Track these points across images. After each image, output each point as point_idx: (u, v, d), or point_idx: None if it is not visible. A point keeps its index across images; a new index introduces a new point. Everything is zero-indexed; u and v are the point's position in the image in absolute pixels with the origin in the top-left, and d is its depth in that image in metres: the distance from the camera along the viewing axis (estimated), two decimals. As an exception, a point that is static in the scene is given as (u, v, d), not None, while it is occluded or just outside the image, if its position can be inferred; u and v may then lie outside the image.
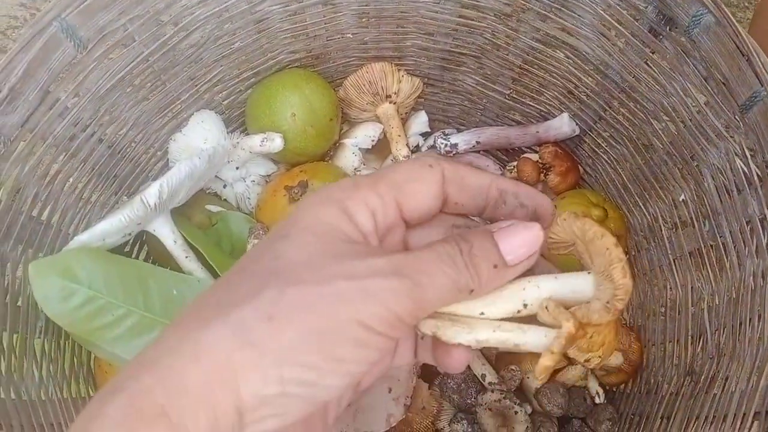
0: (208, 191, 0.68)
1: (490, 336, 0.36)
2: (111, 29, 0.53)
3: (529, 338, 0.36)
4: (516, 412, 0.63)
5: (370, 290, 0.28)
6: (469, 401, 0.64)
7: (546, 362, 0.36)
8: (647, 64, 0.59)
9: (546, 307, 0.36)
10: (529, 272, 0.37)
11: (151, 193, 0.52)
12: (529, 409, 0.64)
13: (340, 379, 0.28)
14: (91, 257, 0.52)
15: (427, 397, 0.66)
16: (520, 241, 0.32)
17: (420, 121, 0.74)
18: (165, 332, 0.28)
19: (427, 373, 0.67)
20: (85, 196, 0.60)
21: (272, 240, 0.30)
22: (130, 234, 0.57)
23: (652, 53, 0.58)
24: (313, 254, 0.29)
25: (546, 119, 0.71)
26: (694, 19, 0.51)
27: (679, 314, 0.62)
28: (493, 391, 0.64)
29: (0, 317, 0.52)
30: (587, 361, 0.38)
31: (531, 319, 0.37)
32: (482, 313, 0.36)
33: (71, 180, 0.58)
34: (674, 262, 0.63)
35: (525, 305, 0.37)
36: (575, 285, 0.38)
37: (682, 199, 0.62)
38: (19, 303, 0.54)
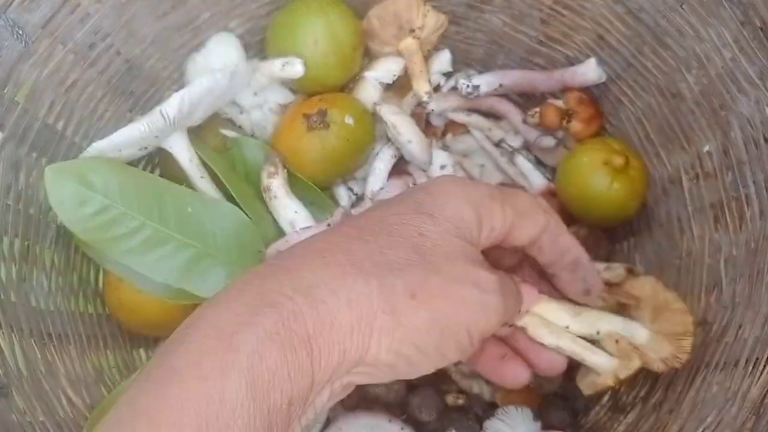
0: (223, 116, 0.67)
1: (569, 346, 0.47)
2: (136, -68, 0.51)
3: (596, 359, 0.49)
4: None
5: (485, 303, 0.32)
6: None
7: (609, 383, 0.50)
8: (682, 8, 0.57)
9: (617, 341, 0.50)
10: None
11: (172, 104, 0.51)
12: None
13: (432, 369, 0.32)
14: (107, 166, 0.51)
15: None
16: (531, 298, 0.42)
17: (443, 60, 0.73)
18: (317, 261, 0.30)
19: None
20: (100, 110, 0.59)
21: (417, 210, 0.33)
22: (146, 148, 0.56)
23: (689, -4, 0.56)
24: (452, 248, 0.32)
25: (572, 65, 0.70)
26: (738, -43, 0.50)
27: (694, 266, 0.61)
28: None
29: (12, 223, 0.52)
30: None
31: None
32: (568, 327, 0.48)
33: (88, 91, 0.57)
34: (693, 214, 0.63)
35: (598, 332, 0.49)
36: (635, 332, 0.51)
37: (707, 150, 0.61)
38: (31, 211, 0.54)
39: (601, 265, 0.66)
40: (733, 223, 0.58)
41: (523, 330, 0.44)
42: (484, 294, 0.32)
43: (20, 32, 0.47)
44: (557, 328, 0.47)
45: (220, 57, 0.64)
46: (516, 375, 0.41)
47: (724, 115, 0.58)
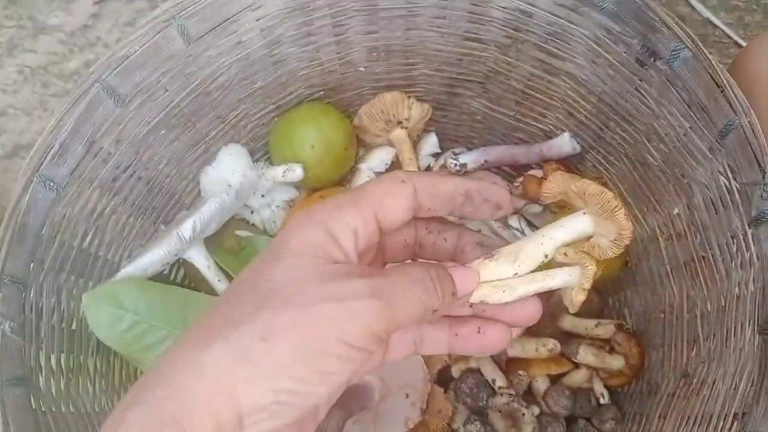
0: (237, 218, 0.74)
1: (529, 288, 0.44)
2: (145, 84, 0.59)
3: (559, 280, 0.45)
4: (523, 414, 0.68)
5: (351, 312, 0.31)
6: (480, 404, 0.69)
7: (580, 297, 0.46)
8: (637, 90, 0.63)
9: (565, 254, 0.46)
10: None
11: (186, 227, 0.58)
12: (536, 411, 0.69)
13: (326, 388, 0.32)
14: (135, 287, 0.58)
15: (442, 400, 0.71)
16: (467, 279, 0.38)
17: (430, 143, 0.80)
18: (173, 350, 0.32)
19: (442, 379, 0.73)
20: (128, 228, 0.67)
21: (264, 262, 0.33)
22: (168, 263, 0.63)
23: (641, 81, 0.62)
24: (302, 277, 0.32)
25: (549, 138, 0.76)
26: (673, 53, 0.56)
27: (676, 320, 0.66)
28: (502, 395, 0.69)
29: (58, 341, 0.59)
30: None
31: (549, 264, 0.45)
32: (515, 274, 0.44)
33: (115, 216, 0.65)
34: (671, 271, 0.67)
35: (546, 255, 0.45)
36: (578, 227, 0.46)
37: (676, 213, 0.66)
38: (74, 327, 0.62)
39: (591, 322, 0.71)
40: (705, 282, 0.62)
41: (483, 303, 0.43)
42: (346, 303, 0.32)
43: (51, 184, 0.55)
44: (508, 281, 0.44)
45: (229, 167, 0.71)
46: (499, 340, 0.40)
47: (686, 183, 0.63)
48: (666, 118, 0.62)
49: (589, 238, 0.47)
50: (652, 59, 0.59)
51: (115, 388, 0.66)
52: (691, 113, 0.58)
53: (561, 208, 0.61)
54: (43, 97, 1.00)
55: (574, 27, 0.63)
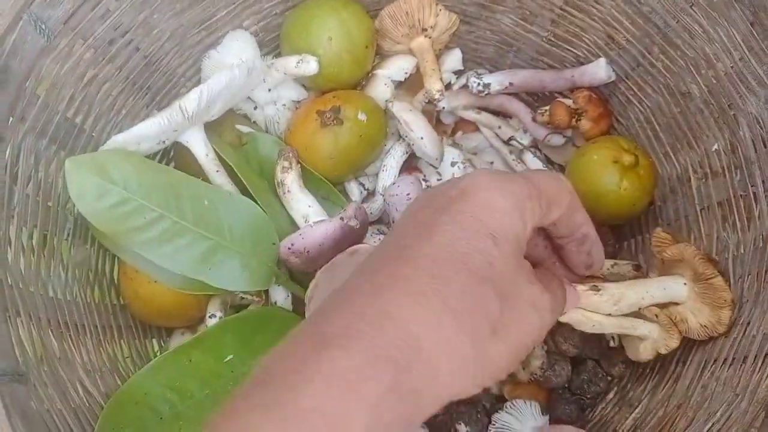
0: (238, 112, 0.68)
1: (614, 330, 0.57)
2: (157, -71, 0.52)
3: (639, 332, 0.57)
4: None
5: (544, 325, 0.35)
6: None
7: (647, 356, 0.58)
8: (692, 9, 0.58)
9: (656, 315, 0.57)
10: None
11: (191, 98, 0.52)
12: (545, 346, 0.65)
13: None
14: (126, 159, 0.52)
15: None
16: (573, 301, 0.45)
17: (454, 58, 0.74)
18: (414, 305, 0.32)
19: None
20: (118, 105, 0.60)
21: (479, 232, 0.33)
22: (164, 141, 0.57)
23: (700, -3, 0.57)
24: (514, 270, 0.34)
25: (582, 65, 0.71)
26: (747, -42, 0.51)
27: (701, 264, 0.62)
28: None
29: (31, 214, 0.53)
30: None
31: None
32: (610, 314, 0.56)
33: (106, 86, 0.58)
34: (701, 212, 0.63)
35: (641, 308, 0.57)
36: (675, 293, 0.57)
37: (715, 149, 0.61)
38: (50, 203, 0.55)
39: (607, 263, 0.67)
40: (741, 222, 0.58)
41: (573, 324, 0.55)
42: (542, 315, 0.34)
43: (43, 27, 0.48)
44: (600, 318, 0.55)
45: (235, 54, 0.65)
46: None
47: (733, 115, 0.58)
48: (721, 41, 0.57)
49: (679, 304, 0.57)
50: (720, -30, 0.54)
51: (89, 280, 0.60)
52: (754, 33, 0.54)
53: (664, 269, 0.62)
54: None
55: (635, -69, 0.58)
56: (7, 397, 0.41)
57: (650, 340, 0.58)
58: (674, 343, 0.56)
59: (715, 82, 0.59)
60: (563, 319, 0.56)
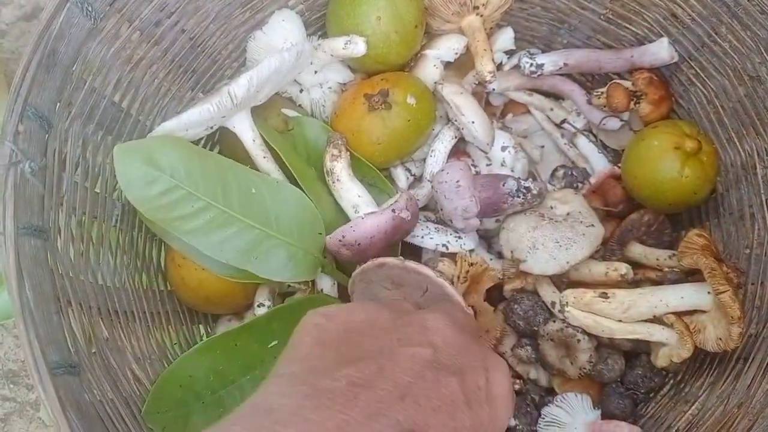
0: (284, 94, 0.66)
1: (626, 336, 0.58)
2: None
3: (655, 338, 0.58)
4: (579, 341, 0.61)
5: None
6: (535, 328, 0.63)
7: (663, 363, 0.60)
8: (769, -16, 0.54)
9: (672, 324, 0.57)
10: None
11: (241, 84, 0.50)
12: (594, 339, 0.63)
13: None
14: (174, 146, 0.51)
15: (491, 319, 0.65)
16: None
17: (506, 38, 0.71)
18: None
19: (492, 297, 0.66)
20: (164, 88, 0.59)
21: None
22: (212, 127, 0.55)
23: (778, -28, 0.53)
24: None
25: (641, 44, 0.67)
26: (838, -69, 0.47)
27: (766, 256, 0.59)
28: (555, 321, 0.62)
29: (81, 200, 0.52)
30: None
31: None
32: (620, 320, 0.58)
33: (152, 69, 0.57)
34: (766, 202, 0.60)
35: (654, 316, 0.58)
36: (696, 302, 0.56)
37: (786, 136, 0.58)
38: (97, 189, 0.54)
39: (665, 253, 0.64)
40: (813, 213, 0.55)
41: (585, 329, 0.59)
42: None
43: (89, 9, 0.47)
44: (610, 324, 0.58)
45: (281, 34, 0.63)
46: None
47: (808, 100, 0.55)
48: (799, 20, 0.53)
49: (705, 312, 0.56)
50: (803, -57, 0.50)
51: (137, 266, 0.60)
52: (837, 13, 0.50)
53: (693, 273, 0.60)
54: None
55: None
56: (62, 390, 0.41)
57: (667, 347, 0.59)
58: (686, 353, 0.57)
59: (789, 64, 0.56)
60: (576, 322, 0.59)
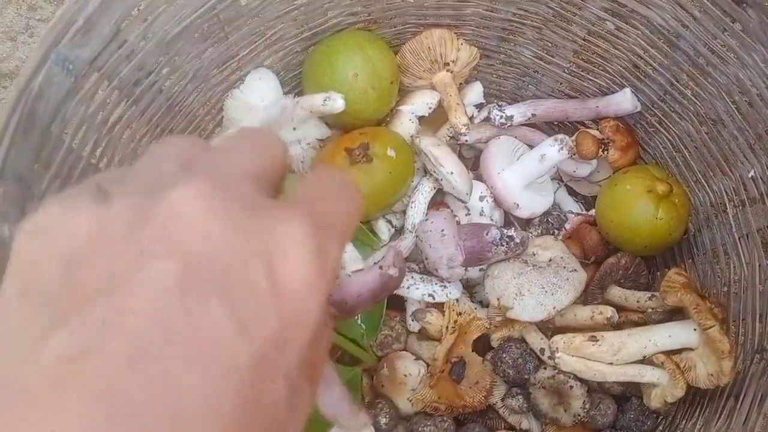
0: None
1: (618, 378, 0.59)
2: (185, -31, 0.51)
3: (646, 379, 0.59)
4: (571, 387, 0.61)
5: None
6: (525, 376, 0.62)
7: (656, 405, 0.60)
8: (725, 35, 0.58)
9: (663, 363, 0.58)
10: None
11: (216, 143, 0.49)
12: (586, 385, 0.62)
13: None
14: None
15: (480, 371, 0.64)
16: None
17: (475, 92, 0.73)
18: None
19: (480, 347, 0.65)
20: (141, 149, 0.58)
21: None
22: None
23: (733, 22, 0.56)
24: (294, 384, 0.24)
25: (604, 94, 0.70)
26: (787, -17, 0.50)
27: (744, 293, 0.61)
28: (545, 368, 0.62)
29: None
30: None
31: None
32: (611, 363, 0.58)
33: (130, 130, 0.56)
34: (740, 240, 0.62)
35: (644, 357, 0.58)
36: (684, 341, 0.57)
37: (751, 176, 0.60)
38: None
39: (644, 294, 0.65)
40: (785, 248, 0.57)
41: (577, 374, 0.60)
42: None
43: (71, 67, 0.46)
44: (602, 368, 0.59)
45: (258, 93, 0.63)
46: None
47: (770, 140, 0.58)
48: (757, 66, 0.56)
49: (693, 349, 0.57)
50: (755, -5, 0.54)
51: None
52: (792, 57, 0.53)
53: (674, 313, 0.62)
54: (30, 22, 0.89)
55: (662, -40, 0.57)
56: None
57: (659, 387, 0.59)
58: (679, 392, 0.57)
59: (749, 107, 0.58)
60: (567, 368, 0.59)
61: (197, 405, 0.18)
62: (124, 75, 0.52)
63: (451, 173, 0.64)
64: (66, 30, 0.44)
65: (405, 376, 0.63)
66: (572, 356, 0.59)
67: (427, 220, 0.62)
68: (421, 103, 0.69)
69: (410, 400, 0.62)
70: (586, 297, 0.66)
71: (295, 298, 0.20)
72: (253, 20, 0.60)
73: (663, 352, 0.57)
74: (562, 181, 0.76)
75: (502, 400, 0.64)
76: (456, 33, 0.69)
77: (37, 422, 0.17)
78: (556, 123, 0.75)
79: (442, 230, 0.61)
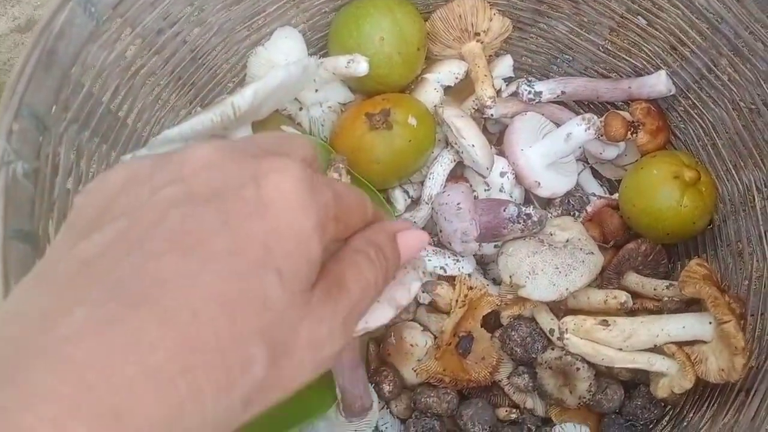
0: (283, 112, 0.65)
1: (626, 365, 0.58)
2: None
3: (655, 368, 0.57)
4: (578, 369, 0.60)
5: (318, 369, 0.27)
6: (533, 356, 0.61)
7: (663, 394, 0.58)
8: (769, 19, 0.55)
9: (674, 354, 0.56)
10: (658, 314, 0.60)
11: (245, 96, 0.49)
12: (593, 369, 0.61)
13: None
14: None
15: (488, 347, 0.63)
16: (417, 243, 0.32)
17: (505, 65, 0.71)
18: None
19: (488, 324, 0.65)
20: (162, 99, 0.58)
21: (262, 274, 0.25)
22: (211, 136, 0.54)
23: (778, 5, 0.54)
24: (294, 314, 0.26)
25: (638, 76, 0.68)
26: (840, -35, 0.48)
27: (765, 288, 0.59)
28: (553, 349, 0.61)
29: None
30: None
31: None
32: (620, 349, 0.57)
33: (152, 79, 0.56)
34: (765, 233, 0.60)
35: (655, 345, 0.57)
36: (698, 333, 0.56)
37: (784, 168, 0.58)
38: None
39: (662, 283, 0.64)
40: (812, 245, 0.55)
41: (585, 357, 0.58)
42: (323, 357, 0.28)
43: (92, 10, 0.46)
44: (610, 353, 0.57)
45: (283, 51, 0.62)
46: None
47: (807, 132, 0.55)
48: (799, 53, 0.54)
49: (706, 342, 0.55)
50: (804, -23, 0.51)
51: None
52: (838, 46, 0.51)
53: (691, 303, 0.61)
54: (65, -31, 0.89)
55: (709, -63, 0.55)
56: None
57: (668, 377, 0.58)
58: (687, 384, 0.56)
59: (788, 96, 0.56)
60: (575, 350, 0.58)
61: (167, 281, 0.22)
62: (147, 23, 0.52)
63: (473, 146, 0.62)
64: (90, -29, 0.44)
65: (411, 346, 0.63)
66: (581, 339, 0.58)
67: (444, 192, 0.62)
68: (448, 72, 0.67)
69: (415, 370, 0.62)
70: (601, 281, 0.65)
71: (277, 208, 0.24)
72: (282, -24, 0.59)
73: (674, 343, 0.56)
74: (588, 163, 0.74)
75: (508, 377, 0.64)
76: (489, 2, 0.67)
77: (58, 304, 0.22)
78: (585, 102, 0.73)
79: (458, 204, 0.60)
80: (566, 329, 0.58)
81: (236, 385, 0.22)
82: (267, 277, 0.24)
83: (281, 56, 0.62)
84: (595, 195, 0.70)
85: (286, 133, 0.26)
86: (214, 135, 0.52)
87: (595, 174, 0.75)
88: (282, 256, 0.24)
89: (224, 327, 0.22)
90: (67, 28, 0.44)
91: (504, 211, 0.61)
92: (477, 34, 0.68)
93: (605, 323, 0.57)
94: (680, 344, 0.57)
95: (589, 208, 0.69)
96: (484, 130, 0.73)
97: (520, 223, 0.61)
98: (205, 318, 0.22)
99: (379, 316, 0.49)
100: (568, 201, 0.70)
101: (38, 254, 0.44)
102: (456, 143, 0.64)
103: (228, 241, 0.23)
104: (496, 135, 0.75)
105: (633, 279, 0.65)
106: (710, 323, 0.55)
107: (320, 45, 0.68)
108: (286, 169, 0.25)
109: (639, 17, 0.64)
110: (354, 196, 0.29)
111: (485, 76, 0.66)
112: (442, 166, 0.65)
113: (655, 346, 0.58)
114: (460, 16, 0.66)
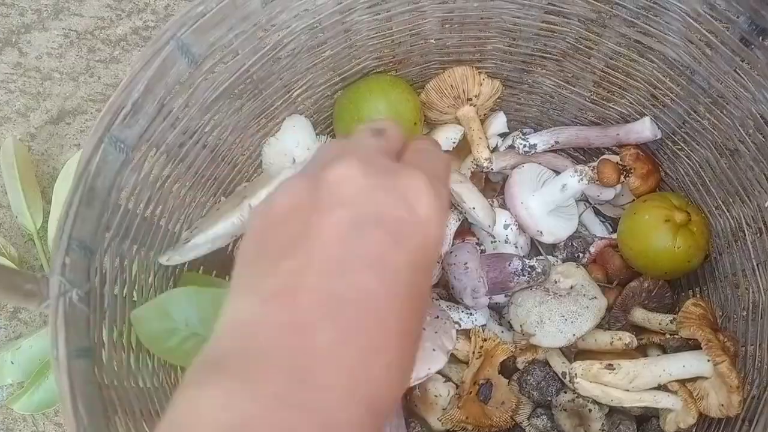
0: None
1: (634, 404, 0.62)
2: (219, 45, 0.56)
3: (661, 405, 0.62)
4: (590, 410, 0.65)
5: None
6: (549, 398, 0.66)
7: (671, 429, 0.62)
8: (736, 72, 0.59)
9: (677, 391, 0.61)
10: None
11: (260, 196, 0.55)
12: (606, 408, 0.66)
13: None
14: (185, 296, 0.55)
15: (506, 392, 0.68)
16: None
17: (499, 122, 0.76)
18: None
19: (505, 369, 0.70)
20: (189, 198, 0.64)
21: (424, 275, 0.32)
22: (234, 236, 0.60)
23: (742, 61, 0.58)
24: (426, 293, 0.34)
25: (626, 121, 0.72)
26: (790, 30, 0.52)
27: (761, 318, 0.63)
28: (566, 392, 0.66)
29: (120, 311, 0.57)
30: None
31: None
32: (626, 390, 0.61)
33: (177, 184, 0.62)
34: (758, 266, 0.64)
35: (659, 385, 0.62)
36: (698, 371, 0.60)
37: (767, 206, 0.62)
38: (134, 298, 0.59)
39: (666, 317, 0.68)
40: (800, 278, 0.59)
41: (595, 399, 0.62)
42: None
43: (122, 146, 0.53)
44: (618, 394, 0.61)
45: (293, 138, 0.68)
46: None
47: (785, 172, 0.59)
48: (767, 102, 0.58)
49: (702, 378, 0.60)
50: (761, 38, 0.55)
51: (171, 364, 0.64)
52: (801, 96, 0.55)
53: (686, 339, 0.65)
54: (90, 62, 0.97)
55: (672, 1, 0.59)
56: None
57: (674, 412, 0.62)
58: (691, 420, 0.60)
59: (763, 140, 0.60)
60: (586, 393, 0.62)
61: (370, 294, 0.28)
62: (170, 141, 0.58)
63: (474, 208, 0.67)
64: (116, 116, 0.51)
65: (435, 396, 0.68)
66: (590, 382, 0.62)
67: (451, 253, 0.67)
68: (445, 138, 0.73)
69: (440, 420, 0.67)
70: (610, 319, 0.69)
71: (428, 223, 0.31)
72: (284, 75, 0.65)
73: (677, 381, 0.60)
74: (589, 203, 0.78)
75: (528, 419, 0.69)
76: (478, 68, 0.72)
77: (272, 308, 0.28)
78: (579, 149, 0.77)
79: (466, 263, 0.65)
80: (575, 374, 0.63)
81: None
82: (424, 277, 0.32)
83: (292, 143, 0.68)
84: (596, 236, 0.75)
85: (378, 124, 0.35)
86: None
87: (597, 212, 0.79)
88: (430, 258, 0.32)
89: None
90: (102, 166, 0.51)
91: (509, 265, 0.66)
92: (469, 99, 0.73)
93: (611, 367, 0.61)
94: (683, 381, 0.61)
95: (592, 249, 0.74)
96: (486, 180, 0.79)
97: (525, 275, 0.66)
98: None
99: (437, 362, 0.59)
100: (572, 244, 0.74)
101: (96, 362, 0.51)
102: (459, 206, 0.69)
103: (402, 255, 0.29)
104: (500, 182, 0.80)
105: (639, 315, 0.69)
106: (708, 361, 0.59)
107: (326, 123, 0.74)
108: (420, 185, 0.31)
109: (618, 71, 0.68)
110: (443, 162, 0.36)
111: (480, 138, 0.72)
112: (448, 227, 0.71)
113: (659, 386, 0.62)
114: (451, 85, 0.71)
